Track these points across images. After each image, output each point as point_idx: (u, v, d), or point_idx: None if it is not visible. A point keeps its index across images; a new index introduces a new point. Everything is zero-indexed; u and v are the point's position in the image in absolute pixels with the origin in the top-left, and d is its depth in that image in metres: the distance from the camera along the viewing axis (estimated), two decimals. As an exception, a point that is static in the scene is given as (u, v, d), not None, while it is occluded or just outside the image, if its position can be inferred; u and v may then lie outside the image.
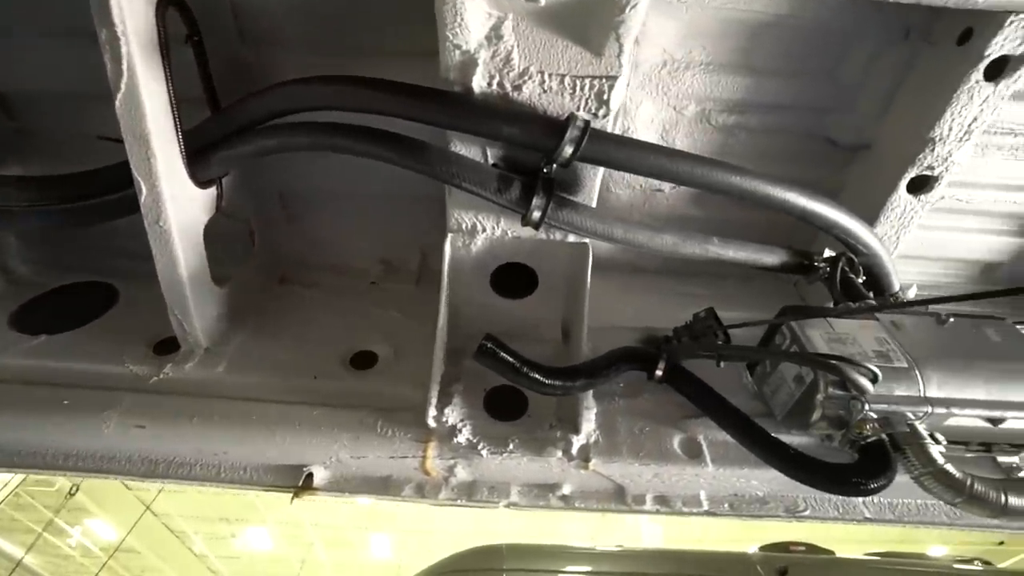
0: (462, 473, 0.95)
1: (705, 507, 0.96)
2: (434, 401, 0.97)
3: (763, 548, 2.98)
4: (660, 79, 1.08)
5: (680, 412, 1.02)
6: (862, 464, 0.82)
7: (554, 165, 0.87)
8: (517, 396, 1.04)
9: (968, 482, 0.78)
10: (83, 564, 7.94)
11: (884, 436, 0.84)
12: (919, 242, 1.35)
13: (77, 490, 7.20)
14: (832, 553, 2.89)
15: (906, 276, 1.41)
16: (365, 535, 9.78)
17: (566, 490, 0.96)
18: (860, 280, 1.12)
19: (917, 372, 0.86)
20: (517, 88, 0.81)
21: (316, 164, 1.19)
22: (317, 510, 8.48)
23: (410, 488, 0.94)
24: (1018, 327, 1.30)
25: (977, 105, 0.98)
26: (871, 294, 1.07)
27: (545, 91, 0.82)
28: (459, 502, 0.93)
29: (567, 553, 2.66)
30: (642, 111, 1.12)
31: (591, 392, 1.04)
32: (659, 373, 1.01)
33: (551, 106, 0.83)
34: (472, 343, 1.12)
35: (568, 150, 0.80)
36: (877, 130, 1.13)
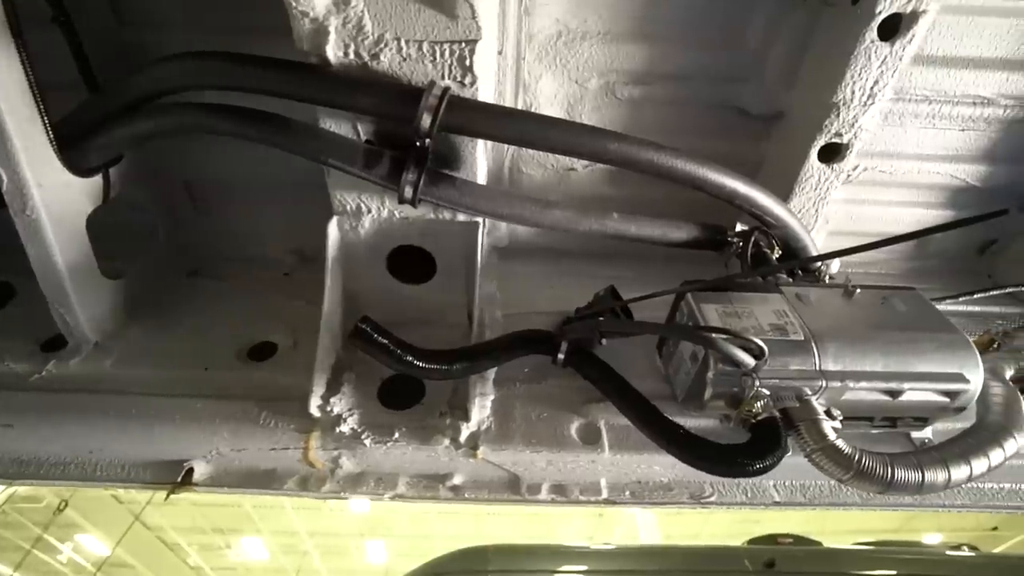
0: (348, 464, 0.91)
1: (605, 495, 0.91)
2: (319, 390, 0.92)
3: (751, 542, 2.95)
4: (557, 51, 1.04)
5: (583, 397, 0.98)
6: (751, 443, 0.78)
7: (427, 139, 0.83)
8: (414, 384, 0.99)
9: (856, 457, 0.74)
10: (75, 580, 7.86)
11: (776, 413, 0.80)
12: (848, 216, 1.31)
13: (66, 505, 7.14)
14: (819, 544, 2.87)
15: (840, 253, 1.37)
16: (360, 542, 9.71)
17: (457, 480, 0.92)
18: (777, 255, 1.09)
19: (813, 345, 0.81)
20: (375, 57, 0.77)
21: (222, 152, 1.16)
22: (312, 518, 8.43)
23: (293, 481, 0.90)
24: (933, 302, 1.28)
25: (876, 67, 0.94)
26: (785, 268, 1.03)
27: (405, 59, 0.78)
28: (343, 494, 0.89)
29: (553, 552, 2.62)
30: (543, 86, 1.08)
31: (491, 378, 1.01)
32: (561, 356, 0.97)
33: (414, 74, 0.80)
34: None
35: (427, 120, 0.76)
36: (787, 98, 1.09)
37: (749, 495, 0.93)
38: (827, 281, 1.13)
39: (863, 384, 0.81)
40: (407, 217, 0.97)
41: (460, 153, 0.89)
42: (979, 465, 0.76)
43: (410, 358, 0.84)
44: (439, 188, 0.86)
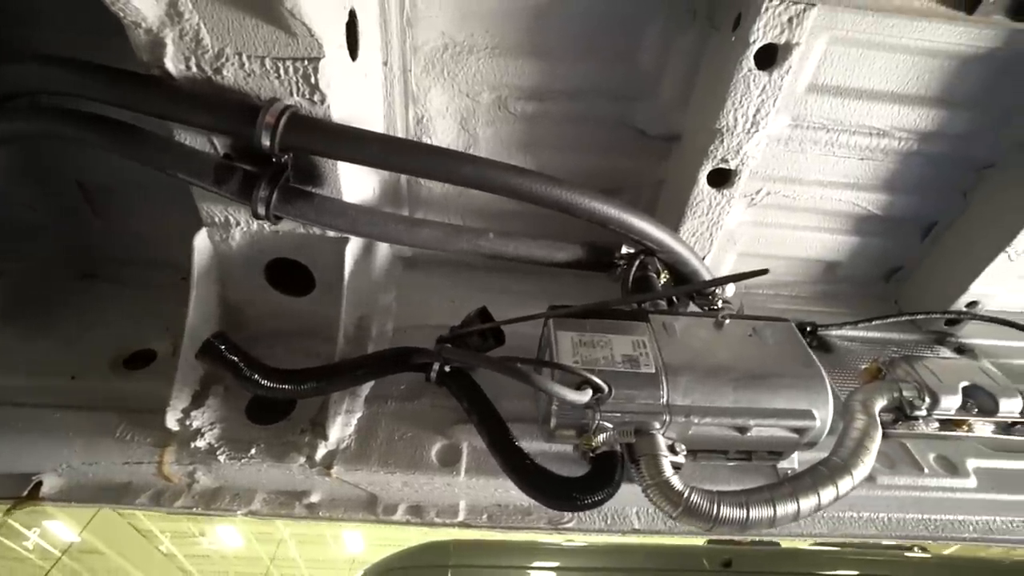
0: (205, 480, 0.90)
1: (461, 518, 0.91)
2: (178, 404, 0.91)
3: (710, 541, 2.98)
4: (444, 64, 1.02)
5: (454, 417, 0.97)
6: (587, 477, 0.78)
7: (285, 155, 0.81)
8: (286, 399, 0.98)
9: (685, 494, 0.74)
10: (42, 566, 7.81)
11: (619, 447, 0.80)
12: (756, 239, 1.31)
13: (34, 489, 7.04)
14: (777, 545, 2.89)
15: (750, 274, 1.37)
16: (337, 531, 9.72)
17: (314, 498, 0.91)
18: (663, 279, 1.08)
19: (663, 379, 0.81)
20: (218, 71, 0.75)
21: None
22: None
23: (147, 496, 0.88)
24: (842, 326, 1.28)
25: (756, 95, 0.94)
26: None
27: (249, 74, 0.76)
28: (195, 510, 0.88)
29: (515, 548, 2.63)
30: (433, 99, 1.07)
31: (363, 395, 1.00)
32: (434, 375, 0.96)
33: (262, 90, 0.78)
34: (257, 344, 1.08)
35: (265, 138, 0.74)
36: (682, 120, 1.09)
37: (609, 522, 0.93)
38: (719, 305, 1.14)
39: (708, 420, 0.81)
40: (277, 231, 0.95)
41: (321, 170, 0.87)
42: (807, 503, 0.76)
43: (256, 377, 0.83)
44: (295, 205, 0.84)
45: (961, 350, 1.34)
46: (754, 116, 0.96)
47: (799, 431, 0.84)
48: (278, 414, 0.97)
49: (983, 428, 1.14)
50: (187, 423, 0.91)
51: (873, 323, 1.31)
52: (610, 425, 0.79)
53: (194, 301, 0.95)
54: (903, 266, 1.39)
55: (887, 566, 2.57)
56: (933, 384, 1.04)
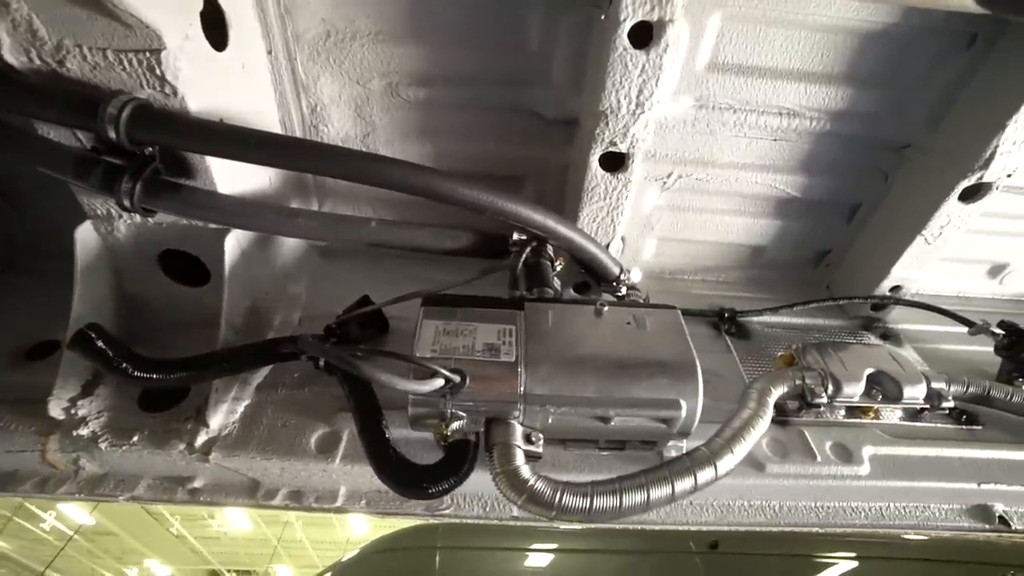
0: (91, 466, 0.92)
1: (340, 503, 0.92)
2: (64, 393, 0.93)
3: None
4: (329, 51, 1.01)
5: (340, 404, 0.98)
6: (437, 464, 0.78)
7: (150, 148, 0.82)
8: (180, 387, 1.00)
9: (529, 483, 0.74)
10: (59, 547, 8.14)
11: (472, 436, 0.80)
12: (674, 224, 1.29)
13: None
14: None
15: (673, 261, 1.36)
16: (344, 515, 9.88)
17: (198, 483, 0.93)
18: (559, 266, 1.08)
19: (521, 368, 0.80)
20: (61, 63, 0.75)
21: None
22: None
23: (31, 483, 0.91)
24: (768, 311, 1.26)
25: (636, 75, 0.91)
26: (555, 282, 1.01)
27: (94, 67, 0.76)
28: (79, 496, 0.90)
29: (503, 530, 2.66)
30: (323, 87, 1.06)
31: (255, 383, 1.01)
32: (321, 363, 0.97)
33: (112, 83, 0.77)
34: (160, 334, 1.09)
35: (110, 131, 0.74)
36: (577, 103, 1.06)
37: (487, 508, 0.94)
38: (623, 292, 1.13)
39: (566, 410, 0.80)
40: (161, 223, 0.96)
41: (190, 162, 0.87)
42: (659, 493, 0.75)
43: (126, 366, 0.84)
44: (161, 198, 0.84)
45: (886, 336, 1.32)
46: (637, 97, 0.94)
47: (666, 421, 0.83)
48: (169, 402, 0.99)
49: (892, 415, 1.13)
50: (73, 412, 0.93)
51: (795, 308, 1.28)
52: (463, 414, 0.79)
53: (79, 293, 0.96)
54: (831, 250, 1.36)
55: (879, 548, 2.53)
56: (837, 371, 1.02)
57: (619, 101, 0.94)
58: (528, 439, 0.80)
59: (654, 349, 0.86)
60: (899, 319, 1.33)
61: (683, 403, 0.81)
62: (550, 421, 0.81)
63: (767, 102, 1.08)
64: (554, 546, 2.59)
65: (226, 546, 10.29)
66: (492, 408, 0.80)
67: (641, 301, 1.09)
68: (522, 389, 0.79)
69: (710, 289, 1.38)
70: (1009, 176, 1.04)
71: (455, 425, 0.79)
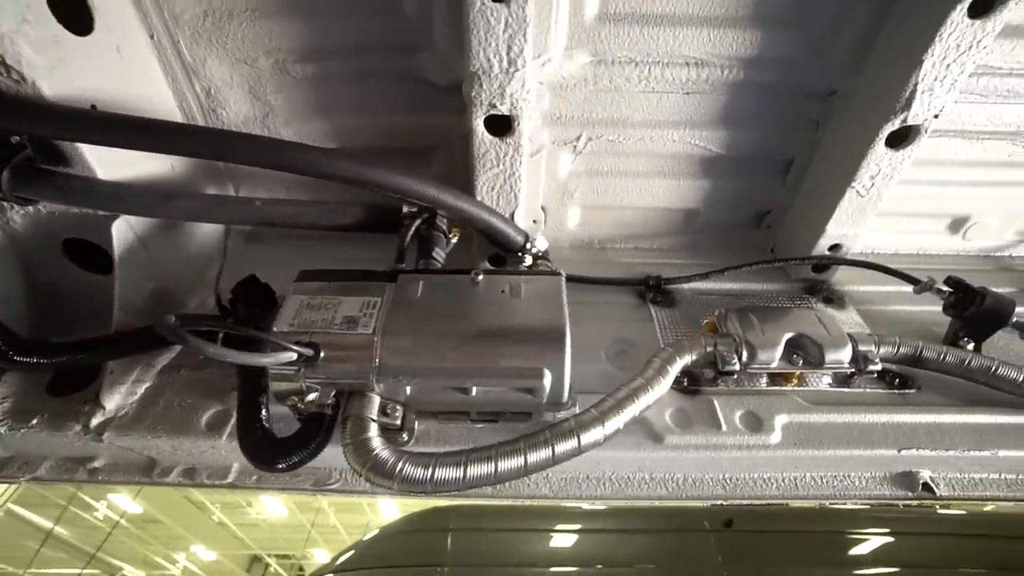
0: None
1: (231, 479, 0.94)
2: (-32, 380, 0.97)
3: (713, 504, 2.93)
4: (209, 31, 1.00)
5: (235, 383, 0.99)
6: (290, 438, 0.78)
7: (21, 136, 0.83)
8: (88, 372, 1.03)
9: (373, 453, 0.73)
10: (112, 534, 8.73)
11: (328, 410, 0.79)
12: (593, 190, 1.23)
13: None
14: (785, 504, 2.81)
15: (601, 230, 1.31)
16: (374, 500, 10.20)
17: (97, 463, 0.96)
18: (453, 238, 1.05)
19: (377, 341, 0.78)
20: (-87, 55, 0.77)
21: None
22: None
23: (-61, 466, 0.96)
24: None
25: (502, 30, 0.87)
26: (440, 254, 0.99)
27: (-57, 56, 0.77)
28: (-14, 477, 0.95)
29: (515, 511, 2.69)
30: (212, 69, 1.05)
31: (159, 365, 1.03)
32: (219, 342, 0.98)
33: (-39, 69, 0.79)
34: (80, 323, 1.12)
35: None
36: (461, 67, 1.02)
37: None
38: (528, 262, 1.09)
39: (421, 381, 0.78)
40: (54, 212, 0.98)
41: (62, 149, 0.88)
42: (510, 463, 0.73)
43: (7, 351, 0.87)
44: (33, 186, 0.86)
45: (830, 299, 1.23)
46: (508, 54, 0.89)
47: (530, 390, 0.80)
48: (78, 386, 1.02)
49: (821, 381, 1.06)
50: (-22, 398, 0.97)
51: (725, 273, 1.22)
52: (318, 387, 0.79)
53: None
54: (771, 210, 1.28)
55: (901, 523, 2.41)
56: (752, 337, 0.97)
57: (489, 60, 0.90)
58: (384, 411, 0.78)
59: (522, 317, 0.82)
60: (844, 280, 1.24)
61: (547, 372, 0.78)
62: (408, 392, 0.80)
63: (670, 52, 1.01)
64: (563, 526, 2.59)
65: (265, 532, 10.79)
66: (348, 381, 0.79)
67: (526, 269, 1.05)
68: (376, 362, 0.78)
69: (643, 257, 1.32)
70: (936, 117, 0.95)
71: (310, 397, 0.79)
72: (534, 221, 1.27)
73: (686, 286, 1.23)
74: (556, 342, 0.79)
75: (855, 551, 2.28)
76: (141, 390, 0.99)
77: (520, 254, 1.09)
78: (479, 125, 0.99)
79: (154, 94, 1.05)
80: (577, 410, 0.81)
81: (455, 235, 1.05)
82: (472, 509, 2.56)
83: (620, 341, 1.10)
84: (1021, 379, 0.93)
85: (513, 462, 0.73)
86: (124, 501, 8.63)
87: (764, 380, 1.04)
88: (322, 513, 10.29)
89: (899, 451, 0.91)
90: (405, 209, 1.02)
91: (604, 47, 1.01)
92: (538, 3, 0.89)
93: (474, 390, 0.79)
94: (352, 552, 2.56)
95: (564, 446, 0.75)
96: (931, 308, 1.13)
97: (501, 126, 0.99)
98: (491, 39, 0.87)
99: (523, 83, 0.93)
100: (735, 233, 1.32)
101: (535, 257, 1.09)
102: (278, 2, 0.97)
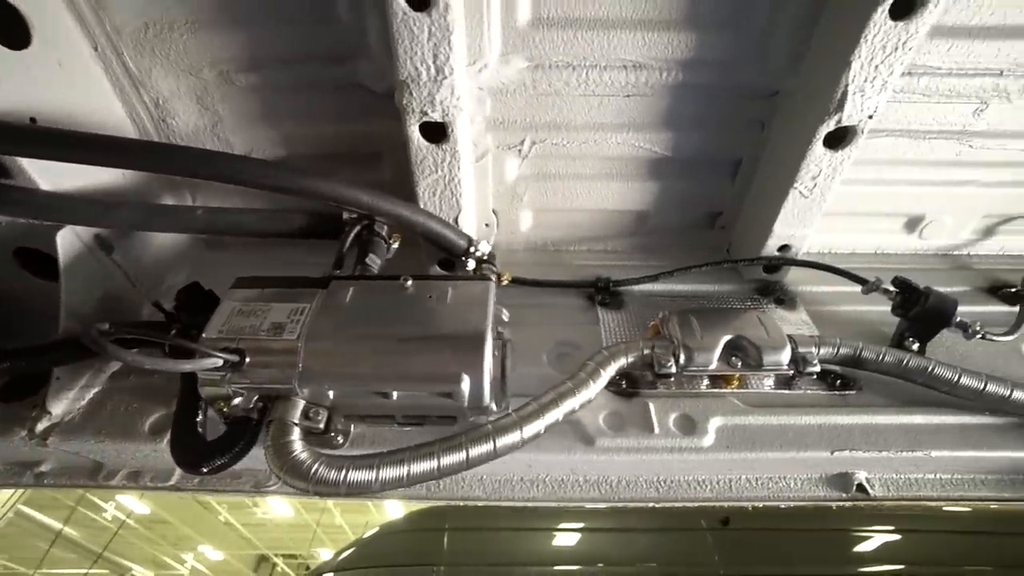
0: (-48, 454, 0.99)
1: (174, 481, 0.96)
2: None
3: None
4: (152, 43, 1.02)
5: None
6: (215, 443, 0.79)
7: None
8: (39, 377, 1.06)
9: (290, 455, 0.74)
10: (121, 535, 8.87)
11: (255, 414, 0.81)
12: (543, 194, 1.24)
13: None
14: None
15: (554, 232, 1.32)
16: (380, 500, 10.24)
17: (44, 467, 0.99)
18: (394, 243, 1.06)
19: (300, 346, 0.80)
20: None
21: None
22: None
23: (-101, 470, 0.99)
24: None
25: (425, 39, 0.87)
26: (375, 260, 1.00)
27: None
28: (-63, 482, 0.98)
29: (511, 511, 2.70)
30: (158, 80, 1.07)
31: (109, 371, 1.05)
32: (167, 349, 1.00)
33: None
34: (37, 328, 1.15)
35: None
36: (392, 74, 1.03)
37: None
38: (471, 266, 1.10)
39: (341, 386, 0.80)
40: (1, 222, 1.00)
41: (2, 161, 0.91)
42: (421, 467, 0.74)
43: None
44: (-25, 197, 0.89)
45: (781, 300, 1.23)
46: (434, 62, 0.90)
47: (450, 395, 0.80)
48: (28, 392, 1.04)
49: (763, 383, 1.06)
50: (-68, 404, 1.00)
51: (674, 275, 1.22)
52: (243, 392, 0.80)
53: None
54: (722, 212, 1.28)
55: (901, 520, 2.39)
56: (690, 340, 0.97)
57: (416, 68, 0.91)
58: (307, 415, 0.80)
59: (444, 323, 0.84)
60: (797, 281, 1.24)
61: (466, 377, 0.79)
62: (331, 397, 0.81)
63: (606, 56, 1.01)
64: (560, 525, 2.59)
65: (271, 532, 10.91)
66: (272, 385, 0.80)
67: (462, 274, 1.06)
68: (299, 367, 0.79)
69: (596, 259, 1.32)
70: (871, 118, 0.94)
71: (235, 402, 0.80)
72: (486, 224, 1.28)
73: (637, 288, 1.23)
74: (475, 347, 0.80)
75: (852, 549, 2.26)
76: (89, 395, 1.02)
77: (464, 258, 1.10)
78: (415, 132, 1.00)
79: (102, 106, 1.08)
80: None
81: (395, 240, 1.06)
82: (470, 509, 2.57)
83: (564, 344, 1.11)
84: (956, 379, 0.92)
85: (426, 465, 0.74)
86: (132, 502, 8.76)
87: (705, 383, 1.04)
88: (327, 513, 10.38)
89: (832, 452, 0.91)
90: (345, 215, 1.03)
91: (540, 52, 1.01)
92: (466, 10, 0.89)
93: (395, 395, 0.80)
94: (352, 550, 2.58)
95: (479, 449, 0.76)
96: (881, 308, 1.12)
97: (436, 133, 1.00)
98: (416, 48, 0.88)
99: (452, 90, 0.94)
100: (690, 234, 1.32)
101: (479, 261, 1.10)
102: (217, 13, 0.99)
